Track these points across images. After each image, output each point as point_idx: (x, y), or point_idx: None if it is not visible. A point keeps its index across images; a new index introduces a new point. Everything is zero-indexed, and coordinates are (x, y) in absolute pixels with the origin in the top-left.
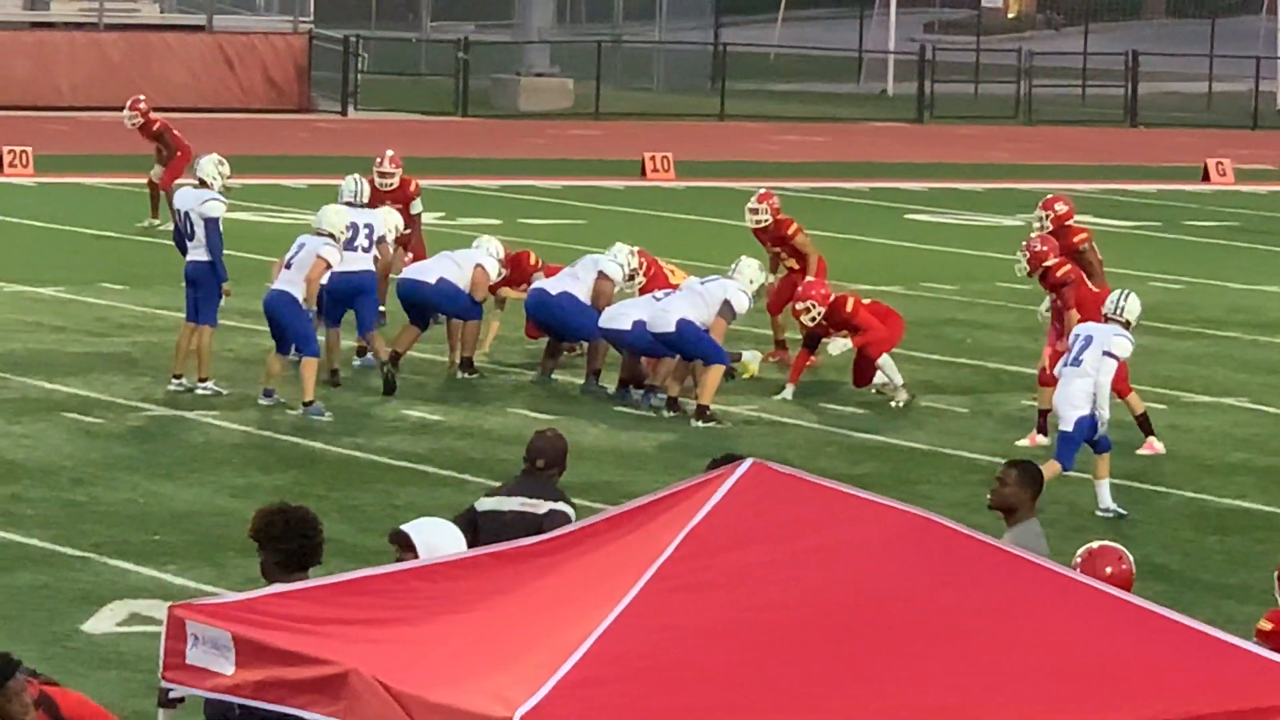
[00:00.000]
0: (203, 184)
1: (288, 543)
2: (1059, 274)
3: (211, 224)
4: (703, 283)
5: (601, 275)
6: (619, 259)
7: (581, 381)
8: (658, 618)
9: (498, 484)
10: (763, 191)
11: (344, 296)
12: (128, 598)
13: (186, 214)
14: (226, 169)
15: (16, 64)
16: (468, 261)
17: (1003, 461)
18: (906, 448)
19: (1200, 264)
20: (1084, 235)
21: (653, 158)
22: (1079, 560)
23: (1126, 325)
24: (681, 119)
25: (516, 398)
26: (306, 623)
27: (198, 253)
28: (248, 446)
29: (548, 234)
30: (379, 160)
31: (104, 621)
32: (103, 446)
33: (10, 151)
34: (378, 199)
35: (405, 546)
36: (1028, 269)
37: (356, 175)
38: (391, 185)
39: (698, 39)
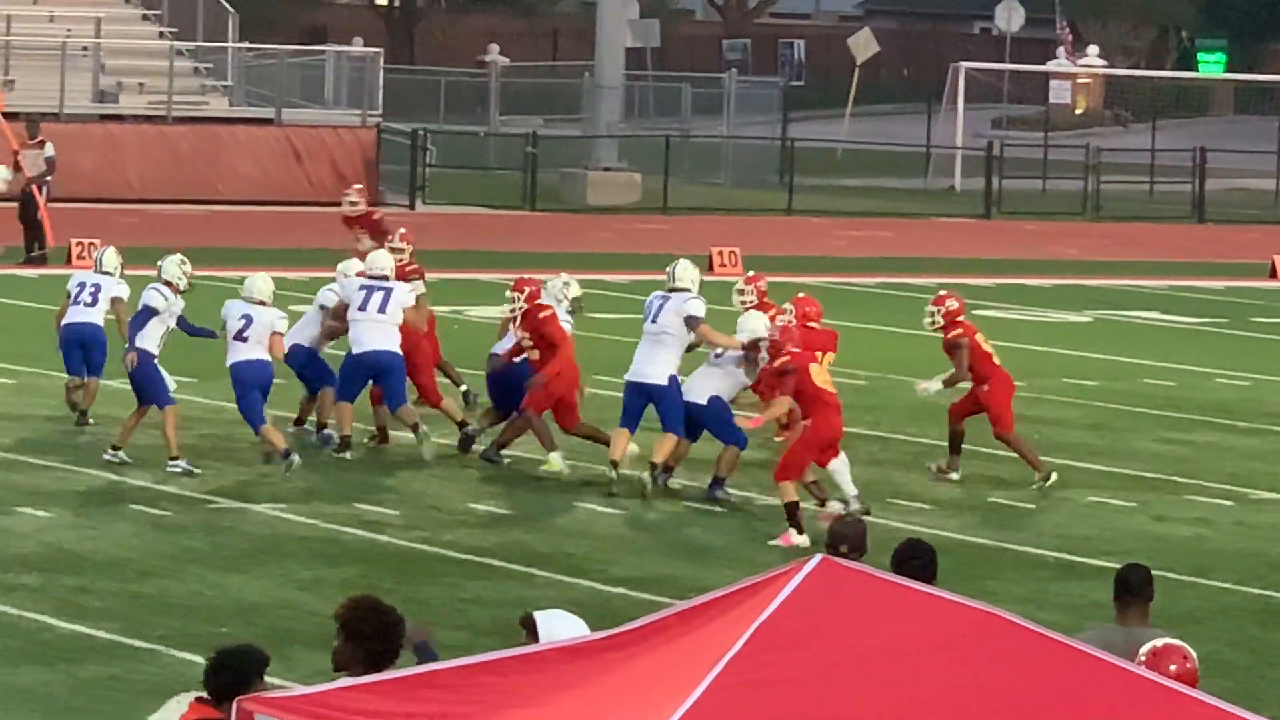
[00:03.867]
0: (169, 285)
1: (378, 643)
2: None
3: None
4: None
5: None
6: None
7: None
8: (726, 714)
9: (565, 578)
10: (752, 274)
11: (371, 372)
12: (195, 690)
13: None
14: (188, 268)
15: (85, 157)
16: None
17: (1068, 557)
18: (973, 543)
19: (1267, 360)
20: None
21: (720, 252)
22: (1144, 658)
23: None
24: (749, 214)
25: (584, 491)
26: (374, 717)
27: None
28: (315, 539)
29: (615, 329)
30: (391, 236)
31: (171, 714)
32: (170, 538)
33: (78, 244)
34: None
35: (530, 631)
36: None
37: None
38: (402, 260)
39: (765, 134)
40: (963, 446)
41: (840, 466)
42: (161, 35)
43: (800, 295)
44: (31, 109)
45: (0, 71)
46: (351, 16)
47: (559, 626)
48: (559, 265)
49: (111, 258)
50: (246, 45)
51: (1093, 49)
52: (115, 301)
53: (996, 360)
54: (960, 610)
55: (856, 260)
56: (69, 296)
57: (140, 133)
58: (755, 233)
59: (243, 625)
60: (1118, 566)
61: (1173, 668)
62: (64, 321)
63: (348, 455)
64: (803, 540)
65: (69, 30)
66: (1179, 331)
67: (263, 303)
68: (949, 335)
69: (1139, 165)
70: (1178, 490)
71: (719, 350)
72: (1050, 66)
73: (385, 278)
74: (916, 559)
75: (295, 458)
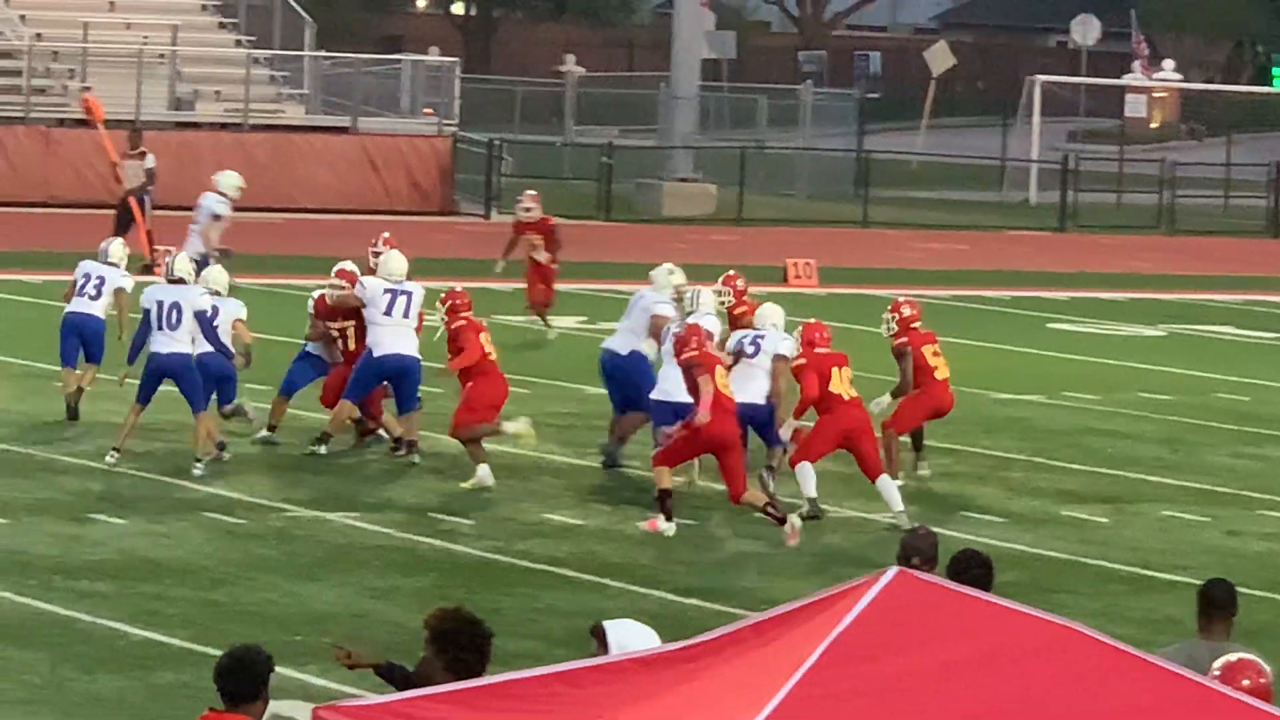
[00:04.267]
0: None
1: (469, 654)
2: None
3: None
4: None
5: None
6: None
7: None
8: None
9: (637, 588)
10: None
11: (389, 375)
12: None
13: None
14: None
15: (161, 164)
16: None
17: (1142, 571)
18: (1046, 557)
19: None
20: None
21: (795, 264)
22: (1217, 672)
23: None
24: (824, 225)
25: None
26: None
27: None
28: (389, 548)
29: None
30: (374, 241)
31: None
32: (244, 546)
33: (155, 251)
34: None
35: (600, 641)
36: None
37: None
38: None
39: (841, 146)
40: (924, 443)
41: (887, 485)
42: (238, 43)
43: (811, 321)
44: (107, 116)
45: (78, 79)
46: (428, 26)
47: (630, 637)
48: (632, 276)
49: (118, 249)
50: (323, 54)
51: (1168, 63)
52: (119, 293)
53: (940, 375)
54: (1037, 624)
55: (931, 273)
56: (74, 286)
57: (216, 140)
58: (830, 245)
59: (316, 634)
60: (1191, 581)
61: (1246, 682)
62: (66, 309)
63: (323, 450)
64: (669, 528)
65: (146, 38)
66: (1253, 346)
67: (218, 293)
68: (895, 343)
69: (1214, 179)
70: (1251, 505)
71: (751, 351)
72: (1126, 80)
73: (402, 281)
74: (975, 568)
75: (225, 454)
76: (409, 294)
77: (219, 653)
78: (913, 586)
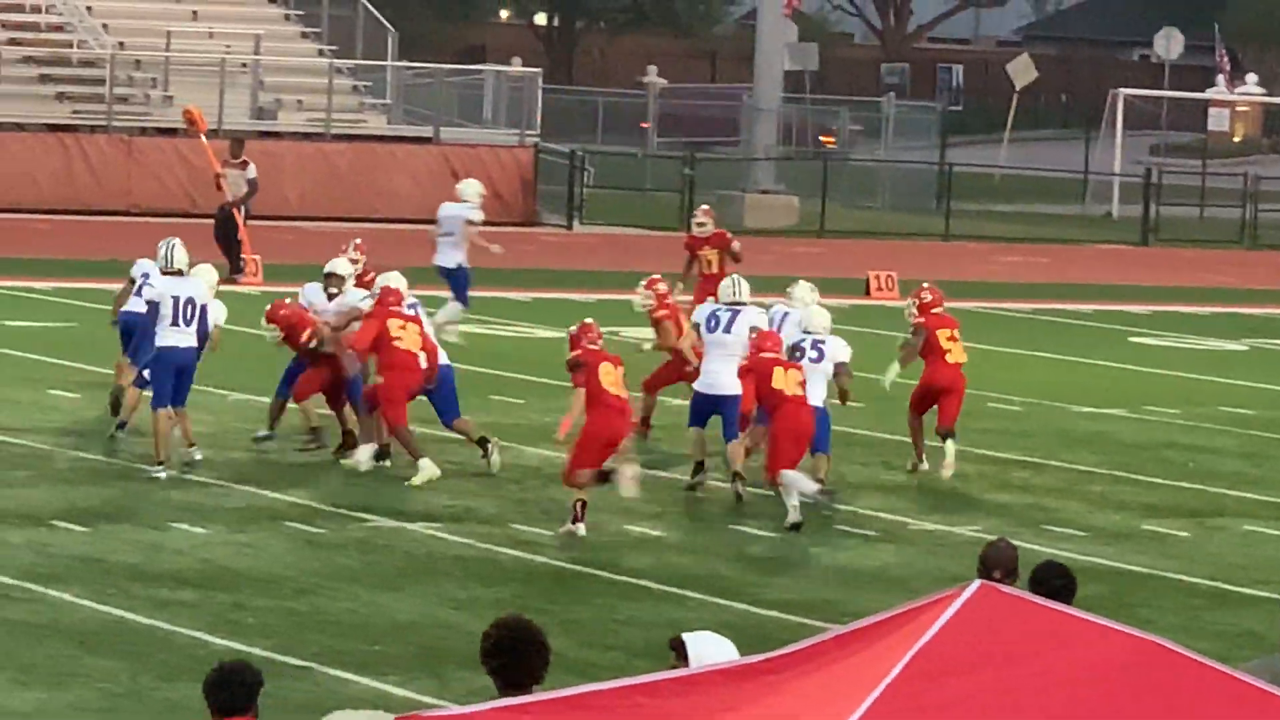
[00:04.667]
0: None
1: (507, 659)
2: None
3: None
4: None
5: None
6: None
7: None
8: None
9: (718, 600)
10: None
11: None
12: (348, 708)
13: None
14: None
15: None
16: None
17: (1223, 586)
18: (1127, 571)
19: None
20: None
21: (877, 276)
22: None
23: None
24: (906, 238)
25: (738, 513)
26: None
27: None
28: (470, 559)
29: None
30: (346, 246)
31: None
32: (325, 556)
33: (243, 260)
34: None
35: (679, 653)
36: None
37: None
38: (357, 270)
39: (923, 158)
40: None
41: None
42: (321, 53)
43: (764, 331)
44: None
45: (160, 87)
46: (510, 36)
47: (709, 649)
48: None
49: (181, 254)
50: (405, 64)
51: (1251, 77)
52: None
53: (951, 359)
54: (1119, 638)
55: (1013, 286)
56: (132, 283)
57: (298, 150)
58: (912, 257)
59: (396, 644)
60: (1272, 596)
61: None
62: (123, 308)
63: (386, 463)
64: (578, 529)
65: (228, 47)
66: None
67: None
68: (914, 322)
69: None
70: None
71: (815, 355)
72: (1209, 94)
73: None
74: (1056, 579)
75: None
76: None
77: (301, 663)
78: (996, 600)
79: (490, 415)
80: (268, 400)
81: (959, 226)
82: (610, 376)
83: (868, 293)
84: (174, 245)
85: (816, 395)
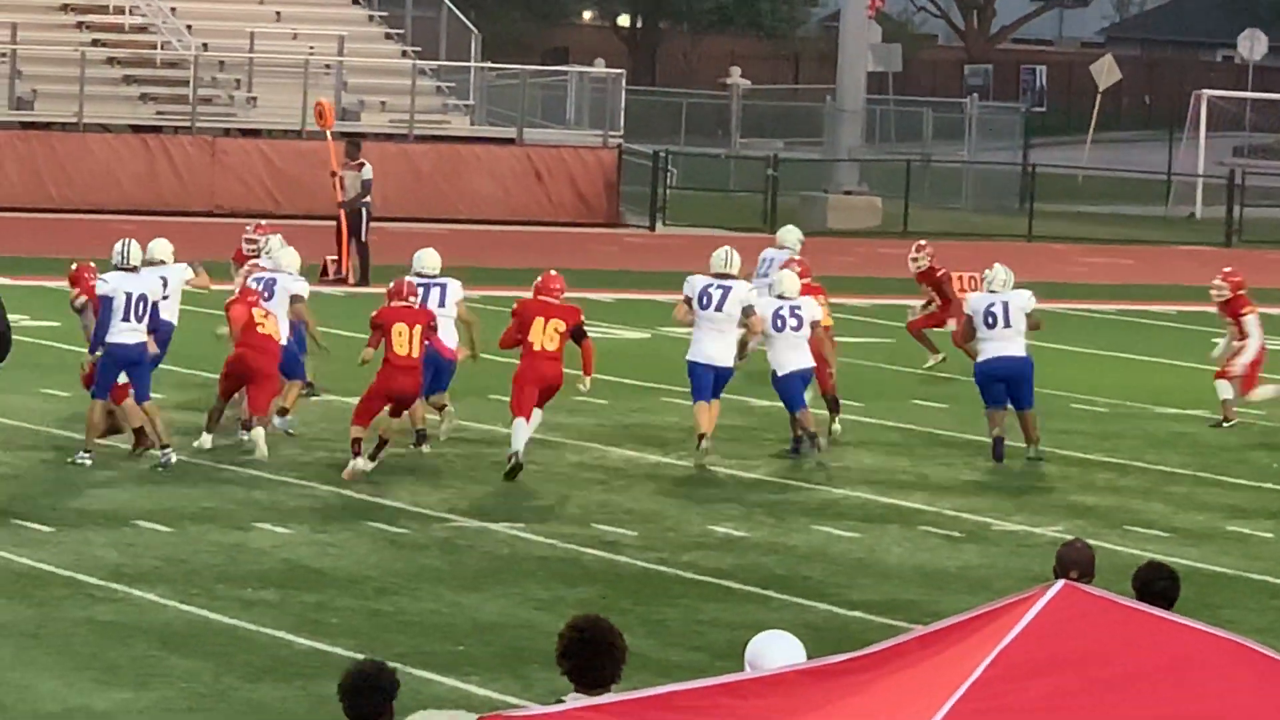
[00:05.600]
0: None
1: (577, 660)
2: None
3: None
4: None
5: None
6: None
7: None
8: None
9: (802, 601)
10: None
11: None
12: (431, 708)
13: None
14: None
15: (327, 174)
16: None
17: None
18: (1210, 571)
19: None
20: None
21: (960, 277)
22: None
23: None
24: (989, 239)
25: (821, 514)
26: None
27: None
28: (553, 559)
29: (858, 352)
30: (249, 226)
31: None
32: (408, 556)
33: (333, 260)
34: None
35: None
36: None
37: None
38: (253, 250)
39: (1006, 159)
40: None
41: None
42: (404, 54)
43: (551, 272)
44: (273, 126)
45: (243, 89)
46: (594, 37)
47: (773, 647)
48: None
49: (136, 250)
50: (489, 65)
51: None
52: (295, 299)
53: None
54: (1204, 639)
55: (1097, 287)
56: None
57: (382, 151)
58: (995, 257)
59: (479, 644)
60: None
61: None
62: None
63: (425, 449)
64: (361, 463)
65: (312, 48)
66: None
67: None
68: (938, 273)
69: None
70: None
71: (795, 323)
72: None
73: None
74: (1162, 580)
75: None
76: (443, 286)
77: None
78: (1079, 600)
79: (573, 416)
80: (353, 401)
81: (1042, 227)
82: (400, 340)
83: None
84: (130, 243)
85: (802, 360)
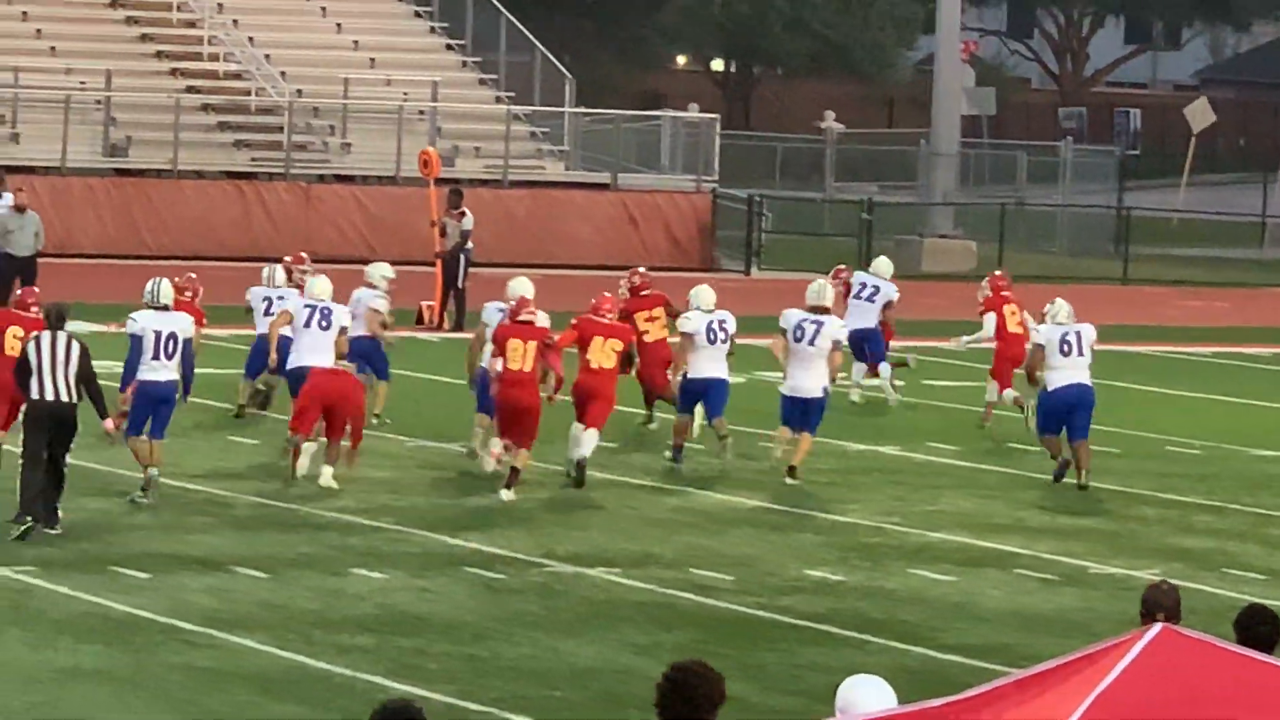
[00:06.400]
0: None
1: (666, 710)
2: None
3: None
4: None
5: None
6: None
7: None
8: None
9: (898, 645)
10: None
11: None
12: None
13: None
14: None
15: (420, 220)
16: None
17: None
18: None
19: None
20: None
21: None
22: None
23: None
24: (1084, 282)
25: (917, 557)
26: None
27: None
28: (650, 604)
29: (953, 396)
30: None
31: None
32: (504, 601)
33: (428, 306)
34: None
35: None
36: None
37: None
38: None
39: (1101, 203)
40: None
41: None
42: (498, 100)
43: (604, 294)
44: (367, 172)
45: (337, 135)
46: (688, 82)
47: (851, 694)
48: (909, 332)
49: (167, 289)
50: (583, 110)
51: None
52: (375, 312)
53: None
54: None
55: (1192, 330)
56: (295, 318)
57: (476, 197)
58: (1090, 301)
59: (577, 689)
60: None
61: None
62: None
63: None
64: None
65: (406, 94)
66: None
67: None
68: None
69: None
70: None
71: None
72: None
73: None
74: (1263, 624)
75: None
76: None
77: (482, 708)
78: (1176, 643)
79: (669, 460)
80: (448, 446)
81: (1137, 270)
82: (516, 352)
83: None
84: (160, 282)
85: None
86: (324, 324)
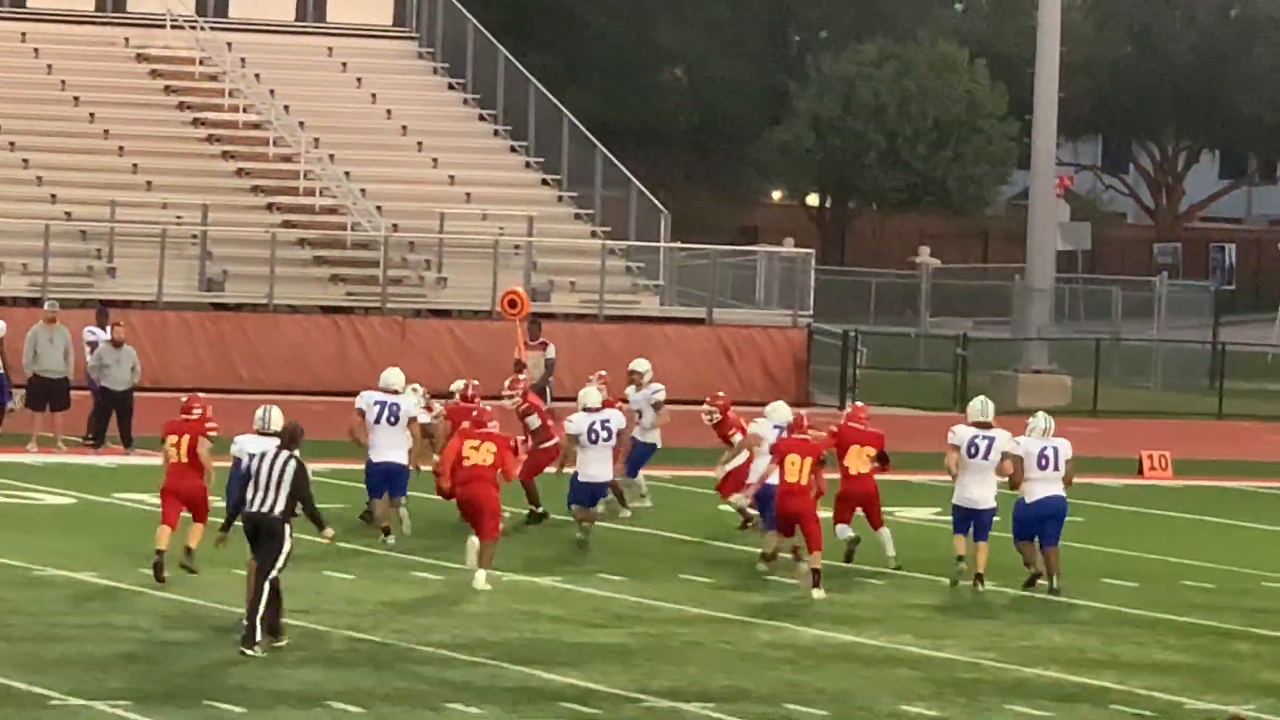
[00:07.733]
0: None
1: None
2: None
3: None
4: None
5: None
6: None
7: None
8: None
9: None
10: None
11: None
12: None
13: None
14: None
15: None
16: None
17: None
18: None
19: None
20: None
21: (1150, 455)
22: None
23: None
24: (1179, 417)
25: (1013, 693)
26: None
27: None
28: None
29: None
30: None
31: None
32: None
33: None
34: None
35: None
36: None
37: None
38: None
39: (1196, 337)
40: None
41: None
42: (594, 234)
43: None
44: (463, 306)
45: (433, 269)
46: (783, 216)
47: None
48: None
49: (278, 416)
50: (678, 244)
51: None
52: (412, 421)
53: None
54: None
55: None
56: (362, 415)
57: (572, 331)
58: (1185, 436)
59: None
60: None
61: None
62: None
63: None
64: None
65: (502, 229)
66: None
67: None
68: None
69: None
70: None
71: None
72: None
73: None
74: None
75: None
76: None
77: None
78: None
79: (765, 595)
80: (536, 580)
81: (1232, 406)
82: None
83: (1140, 472)
84: (270, 410)
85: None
86: (392, 419)
